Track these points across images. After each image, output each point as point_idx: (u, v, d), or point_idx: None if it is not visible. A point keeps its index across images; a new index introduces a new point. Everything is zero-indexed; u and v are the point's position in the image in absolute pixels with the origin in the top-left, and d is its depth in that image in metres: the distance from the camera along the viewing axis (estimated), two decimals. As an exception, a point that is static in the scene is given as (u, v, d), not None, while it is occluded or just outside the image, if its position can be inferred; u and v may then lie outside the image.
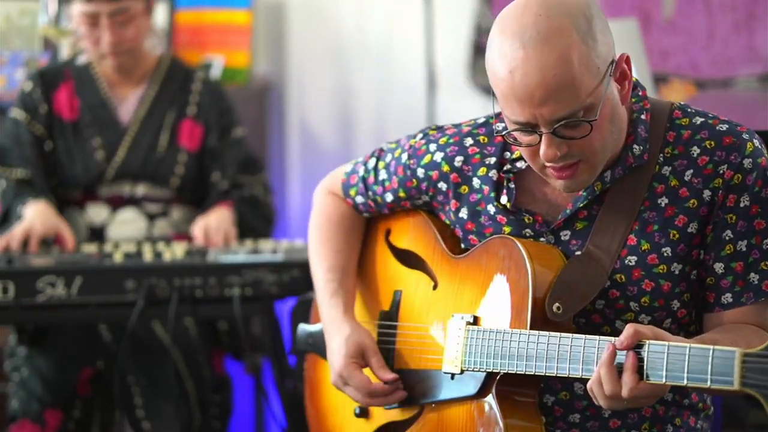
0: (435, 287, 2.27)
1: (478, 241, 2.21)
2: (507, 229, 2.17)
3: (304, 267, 3.14)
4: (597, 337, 1.96)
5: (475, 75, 4.58)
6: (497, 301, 2.12)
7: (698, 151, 2.07)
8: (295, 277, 3.14)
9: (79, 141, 3.56)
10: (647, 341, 1.88)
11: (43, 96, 3.58)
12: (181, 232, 3.58)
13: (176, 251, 3.23)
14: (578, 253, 2.10)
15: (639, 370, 1.88)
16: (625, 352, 1.89)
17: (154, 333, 3.44)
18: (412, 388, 2.25)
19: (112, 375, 3.41)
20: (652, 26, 4.42)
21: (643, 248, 2.07)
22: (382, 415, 2.31)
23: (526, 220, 2.16)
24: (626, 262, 2.07)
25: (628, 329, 1.89)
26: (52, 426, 3.38)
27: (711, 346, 1.81)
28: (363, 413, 2.34)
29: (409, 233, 2.35)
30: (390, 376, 2.25)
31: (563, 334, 1.99)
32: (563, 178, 2.03)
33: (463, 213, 2.23)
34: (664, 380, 1.85)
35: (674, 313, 2.10)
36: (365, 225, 2.45)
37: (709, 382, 1.80)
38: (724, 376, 1.78)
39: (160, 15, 4.69)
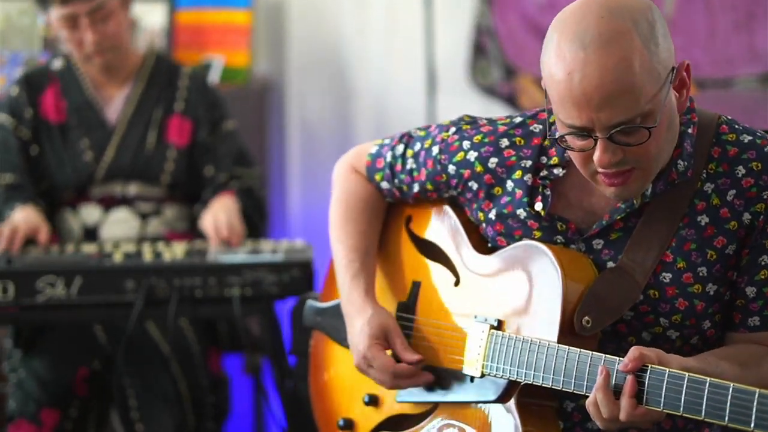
0: (457, 283, 2.23)
1: (505, 242, 2.17)
2: (537, 234, 2.13)
3: (304, 267, 3.14)
4: (617, 358, 1.93)
5: (475, 75, 4.57)
6: (524, 309, 2.08)
7: (744, 171, 2.03)
8: (295, 277, 3.13)
9: (68, 143, 3.55)
10: (650, 365, 1.87)
11: (28, 100, 3.57)
12: (175, 230, 3.58)
13: (176, 251, 3.22)
14: (611, 265, 2.07)
15: (638, 395, 1.87)
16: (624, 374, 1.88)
17: (148, 334, 3.44)
18: (431, 385, 2.22)
19: (108, 375, 3.41)
20: (652, 26, 4.41)
21: (678, 266, 2.04)
22: (392, 406, 2.28)
23: (559, 228, 2.12)
24: (660, 278, 2.04)
25: (633, 352, 1.88)
26: (49, 425, 3.38)
27: (731, 384, 1.79)
28: (372, 401, 2.30)
29: (431, 224, 2.31)
30: (415, 357, 2.20)
31: (592, 353, 1.96)
32: (615, 185, 1.98)
33: (492, 214, 2.19)
34: (661, 408, 1.85)
35: (704, 332, 2.08)
36: (385, 212, 2.41)
37: (726, 421, 1.78)
38: (741, 416, 1.77)
39: (160, 15, 4.69)
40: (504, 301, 2.12)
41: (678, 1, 4.39)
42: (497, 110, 4.43)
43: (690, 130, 2.05)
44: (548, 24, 2.02)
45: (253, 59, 4.81)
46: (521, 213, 2.14)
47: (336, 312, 2.38)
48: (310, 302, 2.45)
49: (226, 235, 3.32)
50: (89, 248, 3.30)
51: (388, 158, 2.34)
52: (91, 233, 3.54)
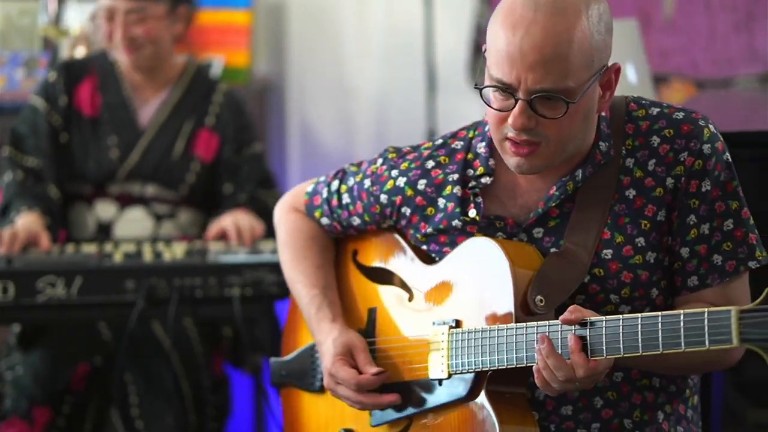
0: (410, 299, 2.27)
1: (449, 250, 2.21)
2: (479, 236, 2.18)
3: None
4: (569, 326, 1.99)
5: (475, 75, 4.58)
6: (479, 302, 2.13)
7: (658, 140, 2.12)
8: (295, 277, 3.13)
9: (95, 137, 3.58)
10: (588, 318, 1.94)
11: (64, 88, 3.59)
12: (187, 234, 3.59)
13: (176, 251, 3.23)
14: (554, 250, 2.13)
15: (584, 349, 1.93)
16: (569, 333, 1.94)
17: (152, 332, 3.45)
18: (402, 401, 2.23)
19: (109, 372, 3.41)
20: (652, 26, 4.42)
21: (617, 241, 2.11)
22: None
23: (498, 225, 2.18)
24: (603, 256, 2.11)
25: (570, 308, 1.95)
26: (41, 423, 3.38)
27: (705, 309, 1.84)
28: None
29: (377, 251, 2.35)
30: (375, 369, 2.23)
31: (547, 321, 2.01)
32: (520, 154, 2.05)
33: (430, 230, 2.24)
34: (604, 354, 1.91)
35: (653, 301, 2.13)
36: (334, 244, 2.45)
37: (707, 345, 1.83)
38: (722, 335, 1.82)
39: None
40: (458, 301, 2.17)
41: (678, 1, 4.39)
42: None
43: (603, 113, 2.14)
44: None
45: (253, 59, 4.82)
46: (457, 224, 2.20)
47: (299, 360, 2.41)
48: (273, 360, 2.46)
49: (246, 239, 3.32)
50: (89, 248, 3.31)
51: (325, 194, 2.40)
52: (104, 229, 3.55)
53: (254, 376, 3.38)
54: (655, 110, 2.15)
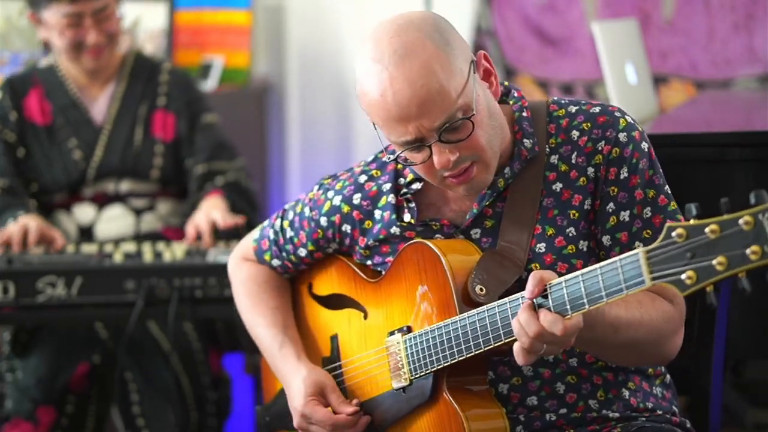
0: (366, 317, 2.29)
1: (392, 259, 2.25)
2: (418, 238, 2.21)
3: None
4: (519, 294, 1.99)
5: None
6: (424, 303, 2.16)
7: (578, 134, 2.16)
8: (295, 277, 3.14)
9: (55, 144, 3.56)
10: (551, 282, 1.93)
11: (12, 103, 3.58)
12: (169, 225, 3.59)
13: (176, 251, 3.23)
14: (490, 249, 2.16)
15: (556, 309, 1.92)
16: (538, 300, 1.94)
17: (149, 330, 3.45)
18: (372, 417, 2.26)
19: (109, 371, 3.42)
20: (652, 27, 4.42)
21: (548, 233, 2.14)
22: None
23: (434, 227, 2.21)
24: (537, 250, 2.14)
25: (533, 277, 1.93)
26: (45, 423, 3.39)
27: (617, 258, 1.86)
28: None
29: (329, 279, 2.39)
30: (351, 408, 2.25)
31: (489, 306, 2.03)
32: (464, 182, 2.09)
33: (371, 242, 2.27)
34: (587, 307, 1.90)
35: None
36: (288, 282, 2.47)
37: (624, 290, 1.85)
38: (635, 279, 1.84)
39: (160, 15, 4.70)
40: (406, 307, 2.20)
41: (678, 2, 4.39)
42: (497, 110, 4.42)
43: (525, 114, 2.19)
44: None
45: (253, 60, 4.82)
46: (395, 230, 2.24)
47: (280, 403, 2.42)
48: (258, 407, 2.49)
49: (206, 239, 3.31)
50: (89, 248, 3.31)
51: (271, 236, 2.43)
52: (86, 232, 3.55)
53: (254, 376, 3.38)
54: (573, 108, 2.20)
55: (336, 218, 2.31)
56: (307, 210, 2.36)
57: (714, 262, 1.74)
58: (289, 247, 2.40)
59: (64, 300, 3.11)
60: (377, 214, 2.27)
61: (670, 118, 3.68)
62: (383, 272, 2.27)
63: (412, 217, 2.23)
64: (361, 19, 4.79)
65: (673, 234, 1.78)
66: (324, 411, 2.26)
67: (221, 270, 3.15)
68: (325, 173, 2.51)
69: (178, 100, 3.62)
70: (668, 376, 2.27)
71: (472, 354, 2.06)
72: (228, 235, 3.36)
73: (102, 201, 3.57)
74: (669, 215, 2.14)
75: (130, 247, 3.30)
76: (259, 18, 4.90)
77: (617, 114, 2.17)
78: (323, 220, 2.32)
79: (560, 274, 2.07)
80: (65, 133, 3.57)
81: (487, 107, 2.09)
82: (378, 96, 2.04)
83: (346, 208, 2.30)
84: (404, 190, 2.25)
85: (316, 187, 2.38)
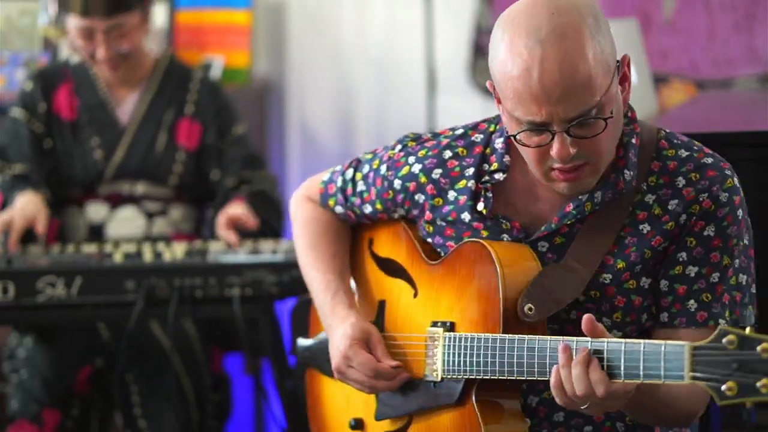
0: (415, 295, 2.27)
1: (454, 245, 2.20)
2: (485, 233, 2.17)
3: (304, 267, 3.15)
4: (571, 338, 1.96)
5: (475, 75, 4.58)
6: (471, 305, 2.13)
7: (684, 182, 2.09)
8: (295, 277, 3.13)
9: (78, 141, 3.57)
10: (606, 340, 1.90)
11: (42, 95, 3.59)
12: (180, 231, 3.59)
13: (176, 251, 3.23)
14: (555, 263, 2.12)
15: (603, 368, 1.89)
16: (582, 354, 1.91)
17: (151, 332, 3.45)
18: (401, 397, 2.25)
19: (111, 374, 3.42)
20: (652, 26, 4.42)
21: (618, 267, 2.09)
22: (375, 425, 2.30)
23: (504, 226, 2.16)
24: (602, 279, 2.09)
25: (585, 319, 1.91)
26: (50, 425, 3.39)
27: (663, 342, 1.84)
28: (358, 425, 2.33)
29: (390, 242, 2.35)
30: (395, 362, 2.22)
31: (537, 337, 2.00)
32: (569, 180, 2.03)
33: (439, 221, 2.23)
34: (622, 378, 1.88)
35: (643, 326, 2.12)
36: (350, 233, 2.44)
37: (663, 378, 1.83)
38: (675, 371, 1.81)
39: (160, 15, 4.69)
40: (454, 302, 2.17)
41: (678, 2, 4.39)
42: (496, 110, 4.42)
43: (633, 140, 2.11)
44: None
45: (253, 59, 4.81)
46: (466, 217, 2.19)
47: (321, 345, 2.41)
48: (300, 340, 2.49)
49: (232, 237, 3.32)
50: (90, 248, 3.31)
51: (339, 183, 2.39)
52: (96, 231, 3.55)
53: (254, 376, 3.38)
54: (684, 153, 2.11)
55: (411, 185, 2.24)
56: (383, 168, 2.29)
57: (758, 384, 1.71)
58: (356, 200, 2.35)
59: (64, 300, 3.11)
60: (451, 195, 2.21)
61: (671, 117, 3.68)
62: (442, 254, 2.23)
63: (485, 207, 2.15)
64: (361, 19, 4.79)
65: (724, 340, 1.74)
66: (368, 355, 2.22)
67: (221, 270, 3.15)
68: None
69: (207, 110, 3.62)
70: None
71: (506, 377, 2.04)
72: (249, 235, 3.36)
73: (115, 201, 3.57)
74: (728, 290, 2.08)
75: (130, 247, 3.30)
76: (259, 18, 4.89)
77: (728, 172, 2.09)
78: (397, 183, 2.26)
79: (617, 308, 2.08)
80: (89, 131, 3.57)
81: (619, 114, 2.03)
82: (522, 70, 1.95)
83: (423, 179, 2.23)
84: (486, 177, 2.17)
85: (399, 146, 2.30)
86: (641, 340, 1.87)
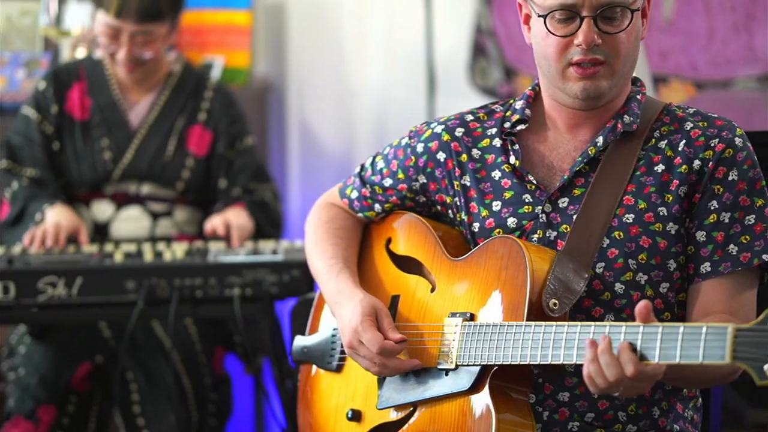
0: (433, 290, 2.29)
1: (476, 209, 2.26)
2: (508, 195, 2.23)
3: (304, 267, 3.13)
4: (591, 323, 2.00)
5: (475, 75, 4.58)
6: (495, 297, 2.15)
7: (691, 125, 2.19)
8: (295, 277, 3.14)
9: (88, 140, 3.59)
10: (642, 324, 1.91)
11: (55, 96, 3.60)
12: (184, 232, 3.59)
13: (176, 251, 3.23)
14: (560, 250, 2.16)
15: (633, 350, 1.91)
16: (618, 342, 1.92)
17: (152, 331, 3.45)
18: (408, 387, 2.25)
19: (111, 371, 3.42)
20: (652, 27, 4.41)
21: (640, 207, 2.15)
22: (374, 416, 2.31)
23: (528, 187, 2.22)
24: (624, 219, 2.15)
25: (642, 306, 1.92)
26: (46, 422, 3.39)
27: (704, 324, 1.86)
28: (355, 416, 2.34)
29: (409, 240, 2.37)
30: (399, 336, 2.24)
31: (557, 323, 2.03)
32: (586, 76, 2.12)
33: (466, 180, 2.28)
34: (657, 359, 1.90)
35: (671, 275, 2.16)
36: (362, 227, 2.47)
37: (701, 359, 1.84)
38: (715, 352, 1.83)
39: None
40: (476, 295, 2.19)
41: (678, 2, 4.39)
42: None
43: (639, 96, 2.23)
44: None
45: (254, 60, 4.82)
46: (496, 174, 2.26)
47: (320, 341, 2.43)
48: (298, 338, 2.49)
49: (235, 243, 3.33)
50: (90, 248, 3.31)
51: (357, 170, 2.45)
52: (101, 230, 3.56)
53: (254, 376, 3.39)
54: (691, 109, 2.22)
55: (433, 145, 2.32)
56: (405, 140, 2.38)
57: None
58: (376, 177, 2.40)
59: (65, 300, 3.12)
60: (475, 152, 2.28)
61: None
62: (462, 231, 2.28)
63: (516, 159, 2.23)
64: (362, 19, 4.79)
65: None
66: (374, 331, 2.24)
67: (221, 270, 3.16)
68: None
69: (219, 120, 3.63)
70: (700, 399, 2.27)
71: (527, 363, 2.06)
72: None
73: (121, 201, 3.58)
74: None
75: (130, 247, 3.31)
76: (259, 18, 4.90)
77: (735, 124, 2.19)
78: (420, 147, 2.33)
79: (642, 248, 2.13)
80: (99, 132, 3.59)
81: (638, 32, 2.14)
82: None
83: (446, 137, 2.31)
84: (509, 130, 2.26)
85: (421, 123, 2.40)
86: (680, 324, 1.88)
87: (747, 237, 2.13)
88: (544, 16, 2.12)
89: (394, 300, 2.35)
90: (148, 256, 3.21)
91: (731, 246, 2.13)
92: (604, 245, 2.14)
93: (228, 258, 3.21)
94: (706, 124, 2.18)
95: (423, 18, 4.50)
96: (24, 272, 3.12)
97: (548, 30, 2.12)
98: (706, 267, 2.15)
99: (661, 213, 2.14)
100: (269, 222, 3.59)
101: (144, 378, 3.43)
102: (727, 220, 2.14)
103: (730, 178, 2.14)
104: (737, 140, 2.16)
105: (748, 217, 2.13)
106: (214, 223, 3.41)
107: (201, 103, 3.65)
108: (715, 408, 2.34)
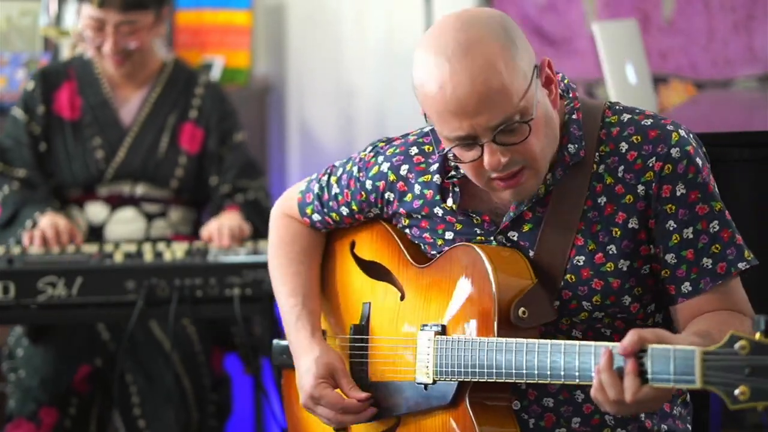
0: (402, 298, 2.27)
1: (431, 239, 2.23)
2: (459, 227, 2.20)
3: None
4: (561, 341, 1.97)
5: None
6: (463, 309, 2.13)
7: (626, 146, 2.11)
8: (295, 278, 3.14)
9: (79, 140, 3.58)
10: (650, 345, 1.86)
11: (42, 96, 3.59)
12: (179, 233, 3.59)
13: (176, 251, 3.23)
14: (531, 254, 2.14)
15: (641, 375, 1.86)
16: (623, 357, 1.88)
17: (151, 331, 3.45)
18: (388, 399, 2.25)
19: (110, 373, 3.42)
20: (652, 27, 4.42)
21: (589, 248, 2.10)
22: (359, 428, 2.30)
23: (475, 221, 2.18)
24: (575, 262, 2.10)
25: (632, 335, 1.87)
26: (48, 424, 3.39)
27: (671, 347, 1.82)
28: (342, 428, 2.32)
29: (373, 244, 2.36)
30: (363, 395, 2.24)
31: (529, 341, 2.01)
32: (510, 186, 2.07)
33: (416, 217, 2.25)
34: (671, 383, 1.85)
35: (627, 308, 2.12)
36: (325, 239, 2.45)
37: (672, 383, 1.81)
38: (686, 376, 1.80)
39: (161, 15, 4.70)
40: (445, 306, 2.17)
41: (678, 2, 4.39)
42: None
43: (575, 116, 2.13)
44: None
45: (254, 60, 4.82)
46: (438, 211, 2.22)
47: None
48: (276, 342, 2.49)
49: (225, 242, 3.33)
50: (90, 248, 3.31)
51: (316, 190, 2.40)
52: (96, 232, 3.56)
53: (254, 376, 3.39)
54: (626, 116, 2.14)
55: (381, 184, 2.28)
56: (355, 169, 2.33)
57: None
58: (333, 203, 2.36)
59: (65, 300, 3.12)
60: (417, 188, 2.23)
61: (670, 118, 3.68)
62: (422, 247, 2.25)
63: (454, 203, 2.18)
64: (361, 19, 4.79)
65: (736, 345, 1.74)
66: (334, 394, 2.24)
67: (221, 270, 3.16)
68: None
69: (210, 117, 3.63)
70: (688, 395, 2.25)
71: (502, 380, 2.05)
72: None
73: (115, 202, 3.58)
74: (735, 230, 2.08)
75: (130, 247, 3.31)
76: (259, 18, 4.90)
77: (669, 127, 2.10)
78: (368, 183, 2.29)
79: (594, 291, 2.08)
80: (91, 131, 3.58)
81: (545, 114, 2.05)
82: (436, 88, 2.01)
83: (392, 177, 2.27)
84: (452, 173, 2.20)
85: (369, 148, 2.35)
86: (652, 345, 1.84)
87: (717, 246, 2.07)
88: (450, 148, 2.07)
89: (366, 308, 2.33)
90: (148, 256, 3.21)
91: (705, 260, 2.07)
92: (559, 296, 2.11)
93: (228, 258, 3.22)
94: (639, 138, 2.09)
95: (423, 18, 4.49)
96: (24, 272, 3.12)
97: (457, 159, 2.07)
98: (686, 287, 2.09)
99: (610, 252, 2.09)
100: (262, 222, 3.59)
101: (144, 379, 3.43)
102: (691, 236, 2.07)
103: (678, 193, 2.07)
104: (673, 151, 2.07)
105: (711, 225, 2.08)
106: (210, 229, 3.40)
107: (192, 99, 3.64)
108: (715, 408, 2.33)
